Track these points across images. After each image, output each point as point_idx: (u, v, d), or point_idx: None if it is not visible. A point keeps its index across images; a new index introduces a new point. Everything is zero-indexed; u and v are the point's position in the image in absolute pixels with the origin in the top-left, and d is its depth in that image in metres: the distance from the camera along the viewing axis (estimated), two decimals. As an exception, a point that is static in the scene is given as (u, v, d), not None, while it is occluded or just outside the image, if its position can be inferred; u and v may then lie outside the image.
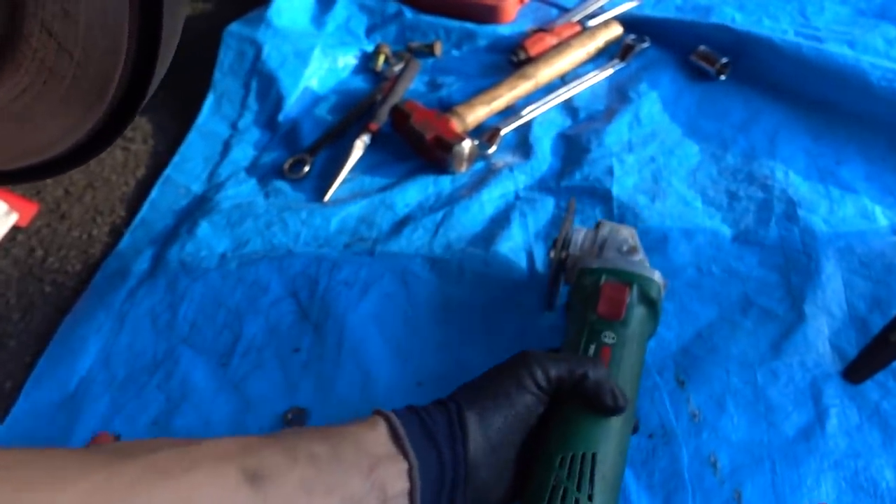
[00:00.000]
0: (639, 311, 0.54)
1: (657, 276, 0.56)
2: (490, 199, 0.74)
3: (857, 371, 0.56)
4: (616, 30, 0.91)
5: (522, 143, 0.81)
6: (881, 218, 0.68)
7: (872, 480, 0.51)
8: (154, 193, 0.78)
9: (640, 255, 0.58)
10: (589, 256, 0.58)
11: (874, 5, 0.93)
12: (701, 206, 0.71)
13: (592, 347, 0.52)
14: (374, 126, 0.82)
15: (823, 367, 0.57)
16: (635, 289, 0.54)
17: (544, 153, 0.79)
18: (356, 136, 0.81)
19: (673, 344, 0.60)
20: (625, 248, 0.58)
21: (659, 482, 0.52)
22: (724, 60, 0.84)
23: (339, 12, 0.99)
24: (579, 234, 0.60)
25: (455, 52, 0.95)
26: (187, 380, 0.61)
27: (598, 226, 0.61)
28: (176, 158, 0.82)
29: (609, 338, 0.52)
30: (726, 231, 0.69)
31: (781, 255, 0.66)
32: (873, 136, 0.75)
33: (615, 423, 0.48)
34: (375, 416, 0.44)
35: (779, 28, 0.91)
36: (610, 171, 0.75)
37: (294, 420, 0.58)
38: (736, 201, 0.71)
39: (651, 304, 0.55)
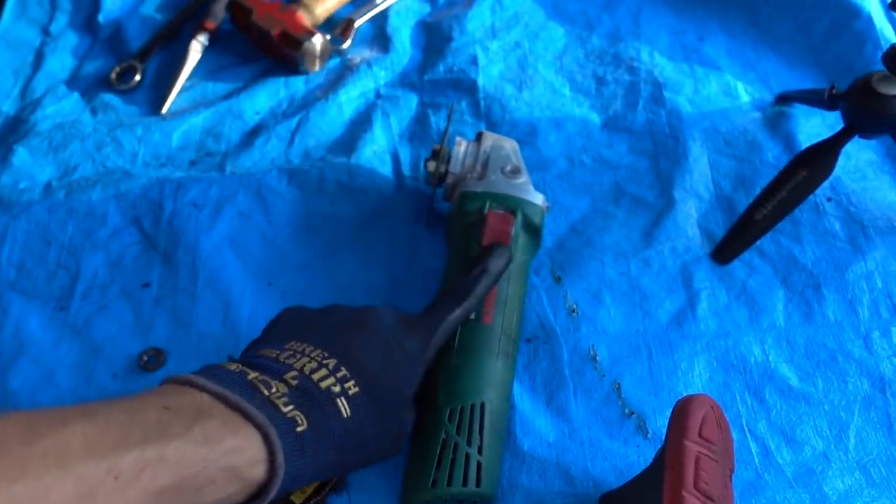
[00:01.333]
0: (523, 240, 0.52)
1: (541, 199, 0.54)
2: (349, 100, 0.68)
3: (724, 251, 0.57)
4: None
5: (380, 35, 0.74)
6: (743, 94, 0.68)
7: (742, 357, 0.52)
8: (-46, 118, 0.67)
9: (524, 177, 0.55)
10: (471, 176, 0.55)
11: None
12: (569, 94, 0.69)
13: None
14: (210, 24, 0.72)
15: (693, 251, 0.57)
16: (520, 216, 0.52)
17: (404, 45, 0.73)
18: (192, 36, 0.71)
19: (548, 240, 0.58)
20: (508, 168, 0.55)
21: (541, 383, 0.51)
22: (585, -67, 0.79)
23: None
24: (460, 148, 0.56)
25: (298, -66, 0.85)
26: (21, 331, 0.54)
27: (479, 137, 0.57)
28: (-23, 75, 0.70)
29: None
30: (595, 118, 0.67)
31: (650, 139, 0.64)
32: (734, 9, 0.74)
33: (501, 370, 0.47)
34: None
35: None
36: (474, 61, 0.70)
37: (150, 362, 0.53)
38: (604, 86, 0.69)
39: (535, 231, 0.53)
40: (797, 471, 0.47)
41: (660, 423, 0.49)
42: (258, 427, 0.34)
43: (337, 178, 0.62)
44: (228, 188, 0.61)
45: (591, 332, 0.53)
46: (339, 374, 0.38)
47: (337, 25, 0.74)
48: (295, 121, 0.67)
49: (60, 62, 0.72)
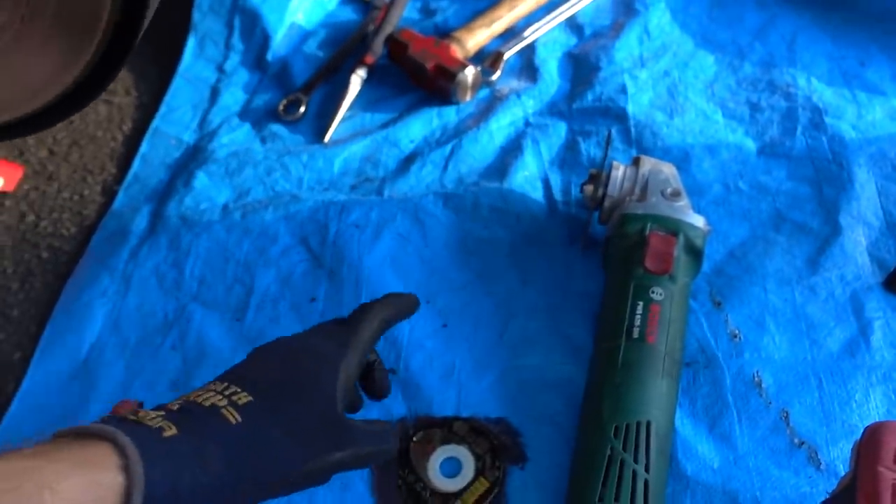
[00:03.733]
0: (685, 262, 0.52)
1: (702, 222, 0.53)
2: (499, 128, 0.71)
3: (899, 280, 0.54)
4: (617, -62, 0.86)
5: (527, 66, 0.76)
6: (913, 118, 0.65)
7: (923, 391, 0.49)
8: (144, 147, 0.74)
9: (684, 200, 0.55)
10: (630, 199, 0.55)
11: None
12: (722, 120, 0.68)
13: (640, 305, 0.50)
14: (369, 59, 0.77)
15: (864, 279, 0.55)
16: (682, 238, 0.52)
17: (551, 75, 0.75)
18: (351, 70, 0.76)
19: (705, 265, 0.57)
20: (668, 191, 0.55)
21: (702, 408, 0.50)
22: (734, -37, 0.79)
23: (320, -61, 0.93)
24: (618, 172, 0.57)
25: (447, -26, 0.89)
26: (202, 338, 0.58)
27: (636, 162, 0.58)
28: (163, 108, 0.77)
29: (658, 294, 0.50)
30: (751, 144, 0.66)
31: (811, 165, 0.63)
32: (897, 34, 0.71)
33: (666, 391, 0.47)
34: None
35: (789, -75, 0.86)
36: (623, 89, 0.71)
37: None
38: (758, 112, 0.68)
39: (696, 254, 0.53)
40: None
41: (833, 455, 0.47)
42: (108, 438, 0.31)
43: (490, 203, 0.64)
44: (388, 211, 0.64)
45: (754, 358, 0.52)
46: (227, 392, 0.37)
47: (487, 58, 0.77)
48: (448, 148, 0.69)
49: (233, 96, 0.79)
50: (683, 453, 0.48)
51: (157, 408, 0.36)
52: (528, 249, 0.61)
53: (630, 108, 0.69)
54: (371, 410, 0.53)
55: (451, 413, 0.53)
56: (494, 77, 0.76)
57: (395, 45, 0.76)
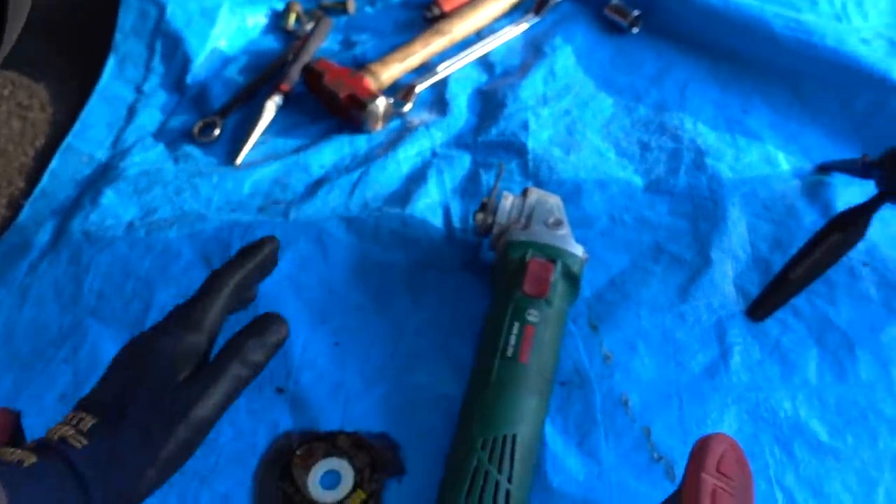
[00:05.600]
0: (562, 287, 0.55)
1: (580, 251, 0.57)
2: (406, 157, 0.74)
3: (759, 309, 0.58)
4: (530, -16, 0.91)
5: (438, 100, 0.80)
6: (783, 163, 0.70)
7: (772, 410, 0.53)
8: (55, 163, 0.74)
9: (565, 229, 0.58)
10: (515, 227, 0.59)
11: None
12: (614, 157, 0.72)
13: (516, 325, 0.52)
14: (285, 86, 0.79)
15: (728, 308, 0.59)
16: (559, 265, 0.55)
17: (461, 109, 0.79)
18: (267, 96, 0.79)
19: (586, 291, 0.61)
20: (551, 221, 0.58)
21: (574, 425, 0.53)
22: (637, 13, 0.85)
23: (248, -30, 0.96)
24: (507, 201, 0.61)
25: (369, 10, 0.93)
26: (96, 352, 0.59)
27: (525, 193, 0.61)
28: (77, 126, 0.78)
29: (533, 316, 0.53)
30: (638, 181, 0.70)
31: (690, 202, 0.67)
32: (778, 85, 0.77)
33: (534, 407, 0.50)
34: None
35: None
36: (525, 126, 0.75)
37: (209, 386, 0.57)
38: (648, 152, 0.72)
39: (574, 280, 0.56)
40: (825, 524, 0.48)
41: (688, 470, 0.50)
42: None
43: (391, 228, 0.67)
44: (291, 233, 0.66)
45: (624, 379, 0.55)
46: (73, 421, 0.39)
47: (400, 90, 0.80)
48: (356, 174, 0.72)
49: (150, 117, 0.80)
50: (552, 467, 0.51)
51: (13, 450, 0.37)
52: (423, 273, 0.63)
53: (530, 143, 0.73)
54: (259, 426, 0.55)
55: (336, 428, 0.55)
56: (406, 108, 0.79)
57: (311, 74, 0.79)
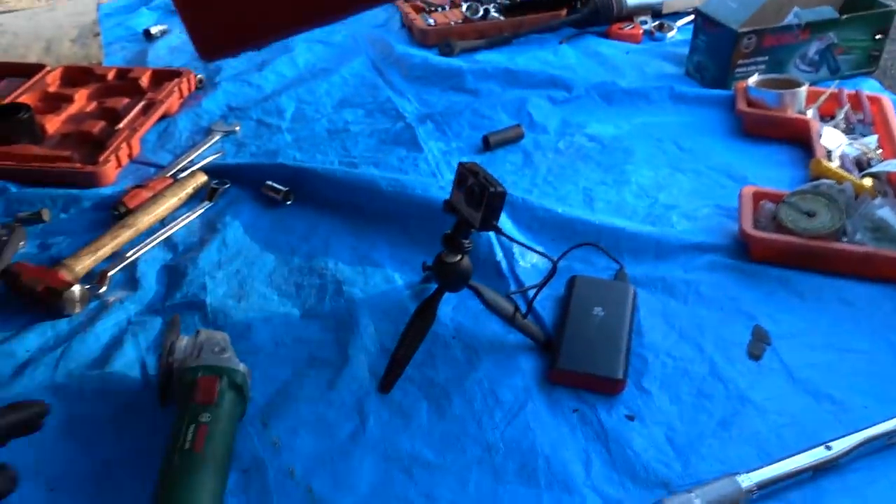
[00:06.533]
0: (230, 395, 0.73)
1: (242, 367, 0.76)
2: (104, 329, 0.89)
3: (384, 384, 0.81)
4: (201, 178, 1.13)
5: (131, 279, 0.97)
6: (398, 280, 0.96)
7: (397, 451, 0.74)
8: None
9: (229, 353, 0.77)
10: (190, 359, 0.76)
11: (391, 135, 1.28)
12: (277, 298, 0.94)
13: (192, 428, 0.69)
14: (-16, 290, 0.91)
15: (365, 388, 0.81)
16: (225, 378, 0.73)
17: (150, 283, 0.96)
18: (-32, 302, 0.90)
19: (260, 400, 0.79)
20: (216, 349, 0.77)
21: (255, 500, 0.69)
22: (287, 189, 1.10)
23: (-59, 197, 1.07)
24: (182, 342, 0.78)
25: (63, 216, 1.08)
26: None
27: (196, 333, 0.79)
28: None
29: (205, 417, 0.70)
30: (296, 312, 0.92)
31: (333, 319, 0.90)
32: (392, 226, 1.05)
33: (210, 485, 0.65)
34: None
35: (327, 160, 1.21)
36: (204, 287, 0.94)
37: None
38: (302, 289, 0.95)
39: (238, 389, 0.74)
40: (433, 515, 0.68)
41: (340, 506, 0.69)
42: None
43: (93, 387, 0.81)
44: None
45: (289, 455, 0.74)
46: None
47: (95, 277, 0.96)
48: (59, 351, 0.85)
49: None
50: (238, 535, 0.66)
51: None
52: (125, 416, 0.78)
53: (208, 299, 0.92)
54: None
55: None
56: (102, 290, 0.94)
57: (10, 277, 0.92)
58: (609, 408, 0.79)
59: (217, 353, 0.76)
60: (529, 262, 0.98)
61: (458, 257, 0.80)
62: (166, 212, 1.08)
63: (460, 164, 0.78)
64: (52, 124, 1.24)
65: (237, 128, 1.29)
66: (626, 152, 1.22)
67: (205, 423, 0.69)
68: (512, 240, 0.85)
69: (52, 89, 1.35)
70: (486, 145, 1.23)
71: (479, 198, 0.75)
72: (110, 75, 1.39)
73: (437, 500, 0.70)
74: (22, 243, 1.02)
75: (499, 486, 0.71)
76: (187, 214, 1.08)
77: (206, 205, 1.10)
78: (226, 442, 0.70)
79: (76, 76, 1.40)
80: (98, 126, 1.23)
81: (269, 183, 1.11)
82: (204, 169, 1.16)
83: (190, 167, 1.18)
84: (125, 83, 1.37)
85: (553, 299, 0.93)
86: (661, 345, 0.86)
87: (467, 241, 0.79)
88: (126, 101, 1.30)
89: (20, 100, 1.27)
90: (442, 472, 0.72)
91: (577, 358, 0.82)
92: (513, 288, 0.94)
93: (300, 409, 0.79)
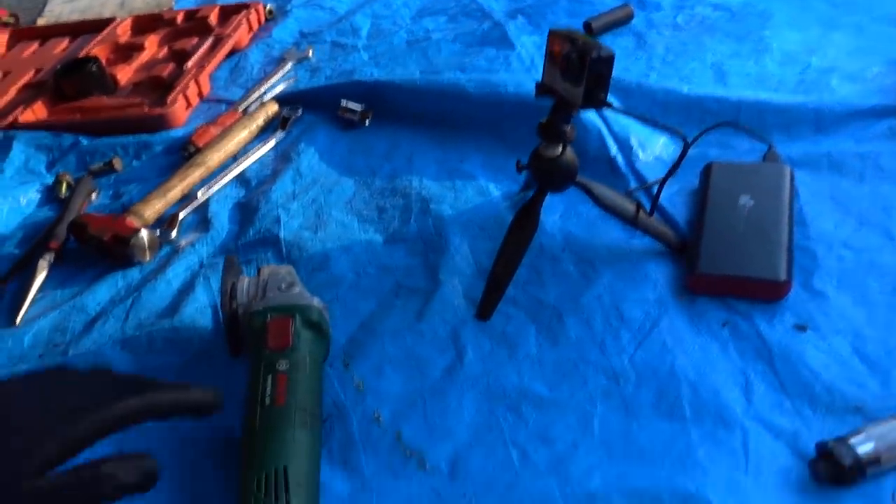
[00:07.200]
0: (306, 336, 0.62)
1: (316, 301, 0.64)
2: (175, 275, 0.80)
3: (483, 310, 0.67)
4: (272, 108, 1.03)
5: (203, 221, 0.88)
6: (494, 191, 0.82)
7: (501, 386, 0.61)
8: None
9: (298, 288, 0.66)
10: (255, 301, 0.66)
11: (477, 37, 1.12)
12: (357, 225, 0.82)
13: (270, 379, 0.58)
14: (54, 244, 0.85)
15: (460, 316, 0.68)
16: (298, 317, 0.62)
17: (222, 223, 0.87)
18: (39, 258, 0.84)
19: (342, 338, 0.68)
20: (283, 286, 0.66)
21: (337, 451, 0.58)
22: (365, 108, 0.98)
23: (16, 157, 1.03)
24: (243, 283, 0.68)
25: (135, 163, 1.01)
26: None
27: (258, 271, 0.69)
28: None
29: (283, 365, 0.59)
30: (379, 238, 0.79)
31: (421, 242, 0.77)
32: (485, 134, 0.90)
33: (301, 439, 0.54)
34: None
35: (408, 72, 1.07)
36: (277, 221, 0.84)
37: None
38: (384, 213, 0.82)
39: (315, 327, 0.63)
40: (549, 463, 0.54)
41: (437, 456, 0.56)
42: None
43: (164, 337, 0.72)
44: (68, 367, 0.70)
45: (374, 399, 0.62)
46: None
47: (165, 221, 0.88)
48: (129, 301, 0.78)
49: (-68, 304, 0.84)
50: (322, 494, 0.55)
51: None
52: (196, 367, 0.69)
53: (282, 234, 0.82)
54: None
55: None
56: (173, 235, 0.86)
57: (77, 228, 0.85)
58: (770, 317, 0.61)
59: (285, 290, 0.65)
60: (652, 155, 0.80)
61: (560, 149, 0.65)
62: (237, 147, 0.98)
63: (551, 32, 0.62)
64: (124, 74, 1.18)
65: (310, 52, 1.18)
66: (763, 17, 1.01)
67: (283, 372, 0.58)
68: (629, 114, 0.69)
69: (122, 40, 1.29)
70: (589, 31, 1.04)
71: (578, 67, 0.59)
72: (179, 18, 1.31)
73: (555, 443, 0.56)
74: (94, 195, 0.96)
75: (631, 421, 0.56)
76: (259, 147, 0.98)
77: (279, 135, 1.00)
78: (311, 388, 0.59)
79: (145, 24, 1.33)
80: (167, 69, 1.16)
81: (345, 104, 0.99)
82: (276, 98, 1.06)
83: (262, 99, 1.08)
84: (194, 24, 1.29)
85: (686, 194, 0.75)
86: (835, 235, 0.67)
87: (569, 127, 0.63)
88: (194, 40, 1.22)
89: (91, 53, 1.22)
90: (558, 409, 0.58)
91: (724, 259, 0.64)
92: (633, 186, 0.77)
93: (386, 345, 0.67)
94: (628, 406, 0.57)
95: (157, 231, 0.85)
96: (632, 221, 0.68)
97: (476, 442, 0.57)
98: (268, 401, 0.57)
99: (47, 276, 0.84)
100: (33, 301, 0.81)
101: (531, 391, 0.60)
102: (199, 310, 0.75)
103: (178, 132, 1.04)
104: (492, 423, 0.58)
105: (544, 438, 0.56)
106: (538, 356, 0.63)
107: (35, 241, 0.89)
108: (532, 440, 0.56)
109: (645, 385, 0.58)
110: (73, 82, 1.14)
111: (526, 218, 0.67)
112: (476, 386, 0.61)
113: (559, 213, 0.76)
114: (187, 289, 0.78)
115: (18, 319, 0.79)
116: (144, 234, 0.82)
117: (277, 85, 1.10)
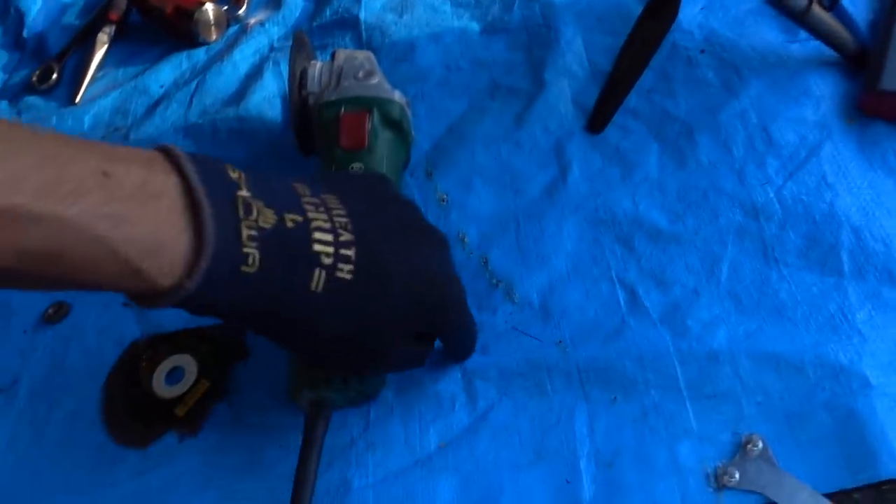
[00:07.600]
0: (385, 136, 0.52)
1: (397, 95, 0.54)
2: (243, 58, 0.71)
3: (595, 120, 0.56)
4: None
5: (275, -4, 0.77)
6: (619, -27, 0.66)
7: (611, 211, 0.51)
8: None
9: (378, 78, 0.55)
10: (328, 90, 0.56)
11: None
12: (450, 10, 0.69)
13: None
14: (114, 15, 0.76)
15: (567, 126, 0.57)
16: (375, 114, 0.52)
17: (296, 0, 0.75)
18: (99, 30, 0.76)
19: (425, 143, 0.58)
20: (360, 74, 0.55)
21: (413, 273, 0.51)
22: None
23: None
24: (315, 69, 0.57)
25: (203, -74, 0.89)
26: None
27: (333, 56, 0.58)
28: (-84, 99, 0.76)
29: (357, 168, 0.50)
30: (475, 27, 0.67)
31: (525, 33, 0.64)
32: None
33: None
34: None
35: None
36: (358, 0, 0.72)
37: (55, 315, 0.56)
38: (483, -4, 0.69)
39: (396, 126, 0.53)
40: (663, 310, 0.46)
41: (526, 287, 0.48)
42: (201, 236, 0.29)
43: (228, 127, 0.65)
44: (129, 153, 0.64)
45: (460, 217, 0.53)
46: (342, 251, 0.33)
47: (233, -5, 0.77)
48: (193, 85, 0.69)
49: (-8, 78, 0.78)
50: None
51: (281, 201, 0.33)
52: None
53: (362, 15, 0.70)
54: (106, 342, 0.54)
55: (180, 328, 0.53)
56: (241, 12, 0.76)
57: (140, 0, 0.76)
58: (968, 153, 0.48)
59: (362, 80, 0.55)
60: (831, -67, 0.62)
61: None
62: None
63: None
64: None
65: None
66: None
67: (357, 176, 0.50)
68: None
69: None
70: None
71: None
72: None
73: (672, 286, 0.47)
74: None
75: (771, 269, 0.46)
76: (341, -90, 0.83)
77: None
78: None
79: None
80: None
81: None
82: None
83: None
84: None
85: (871, -11, 0.58)
86: None
87: None
88: None
89: None
90: (679, 246, 0.48)
91: (917, 73, 0.50)
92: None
93: (477, 154, 0.57)
94: (768, 250, 0.47)
95: (224, 6, 0.75)
96: (800, 17, 0.53)
97: (575, 275, 0.48)
98: None
99: (108, 52, 0.76)
100: (93, 79, 0.74)
101: (647, 221, 0.50)
102: (268, 99, 0.66)
103: None
104: (596, 254, 0.49)
105: (659, 280, 0.47)
106: (659, 180, 0.52)
107: (96, 11, 0.80)
108: (644, 280, 0.47)
109: (793, 226, 0.47)
110: None
111: (663, 5, 0.53)
112: (580, 210, 0.51)
113: (700, 4, 0.61)
114: (255, 74, 0.69)
115: (78, 98, 0.73)
116: (210, 7, 0.72)
117: None
